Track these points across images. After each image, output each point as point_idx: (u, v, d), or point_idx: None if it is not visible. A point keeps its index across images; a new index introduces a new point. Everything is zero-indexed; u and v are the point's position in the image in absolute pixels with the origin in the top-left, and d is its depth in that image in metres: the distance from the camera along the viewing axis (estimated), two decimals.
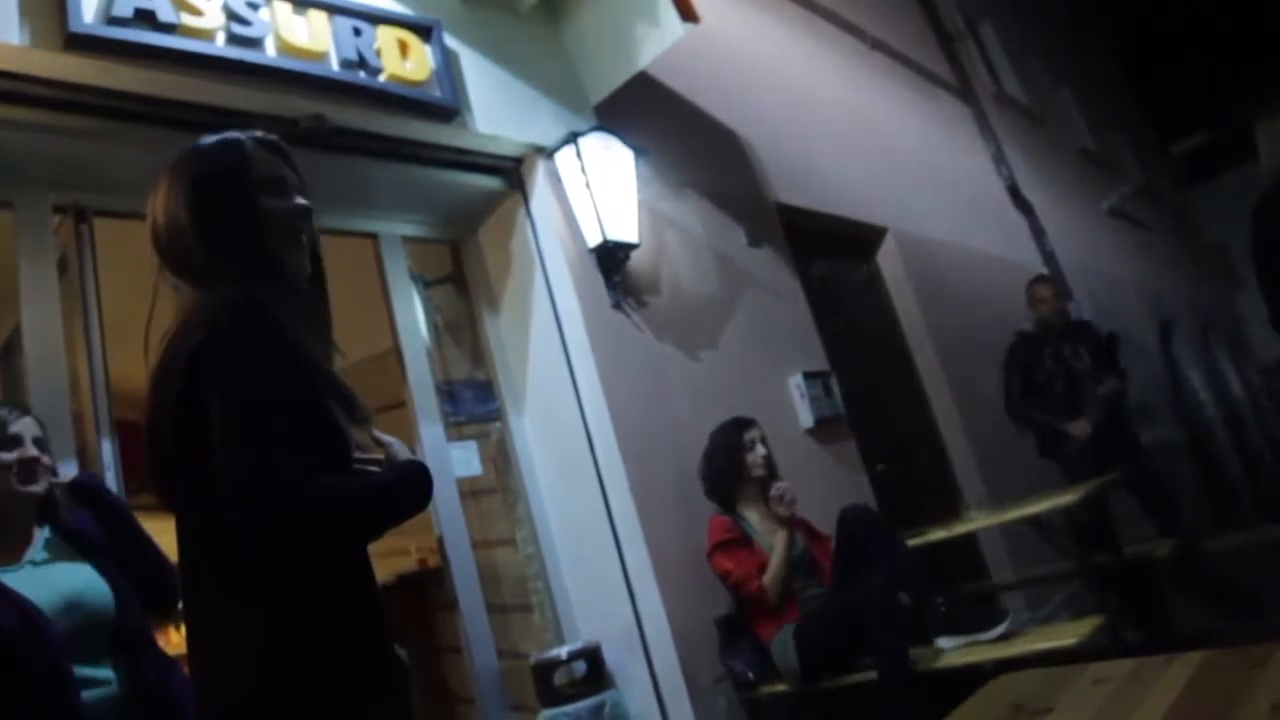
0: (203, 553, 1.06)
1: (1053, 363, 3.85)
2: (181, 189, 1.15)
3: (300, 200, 1.19)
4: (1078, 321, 4.23)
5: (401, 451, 1.18)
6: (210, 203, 1.14)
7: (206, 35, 2.09)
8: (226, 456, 0.96)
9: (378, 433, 1.22)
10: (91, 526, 1.62)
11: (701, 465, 2.73)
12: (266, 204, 1.15)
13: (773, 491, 2.54)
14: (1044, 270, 6.51)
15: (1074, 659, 2.06)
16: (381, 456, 1.17)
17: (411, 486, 1.14)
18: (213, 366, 1.00)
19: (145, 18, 1.99)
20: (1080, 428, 3.64)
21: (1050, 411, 3.79)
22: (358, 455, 1.16)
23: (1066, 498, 2.61)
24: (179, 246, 1.13)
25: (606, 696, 2.50)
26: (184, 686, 1.50)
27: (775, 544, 2.52)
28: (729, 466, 2.68)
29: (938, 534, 2.88)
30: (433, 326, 2.95)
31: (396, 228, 2.81)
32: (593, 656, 2.56)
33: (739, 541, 2.55)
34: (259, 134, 1.22)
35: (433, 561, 3.58)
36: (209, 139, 1.21)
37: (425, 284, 3.00)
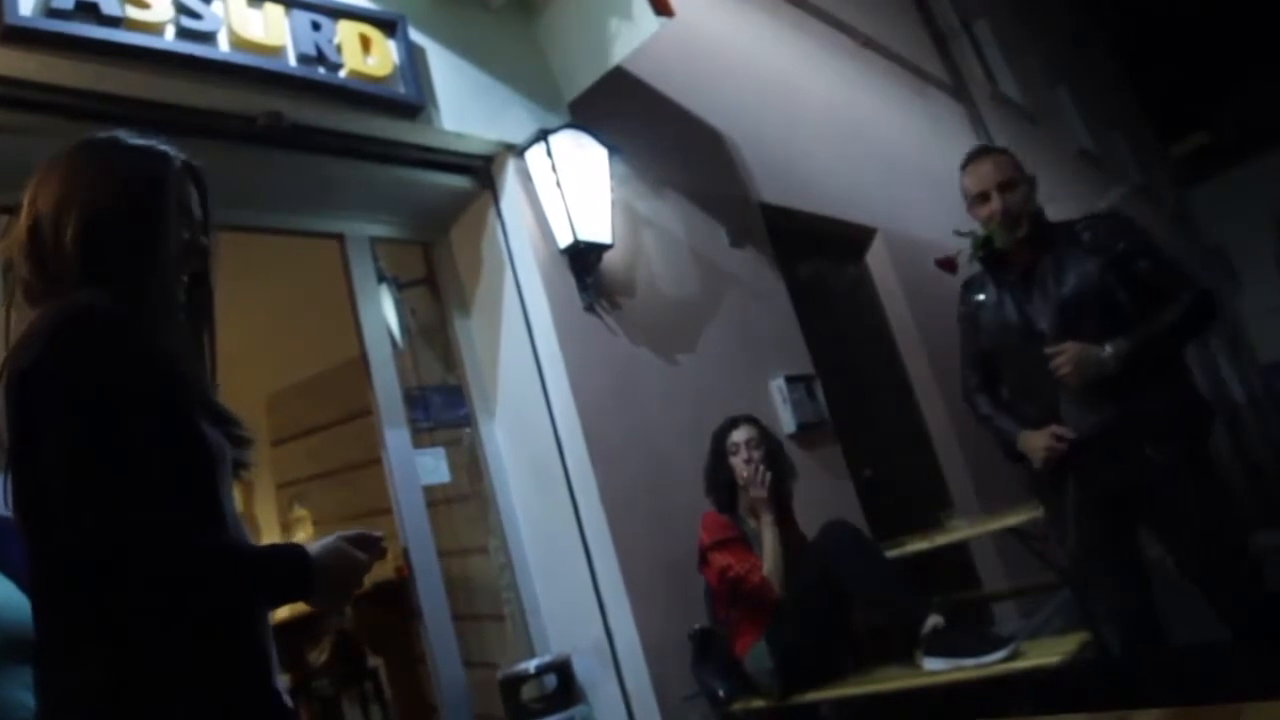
0: (46, 583, 0.98)
1: (992, 314, 2.08)
2: (88, 179, 1.06)
3: (203, 240, 1.14)
4: (1072, 223, 2.07)
5: (317, 546, 1.07)
6: (120, 200, 1.05)
7: (155, 29, 2.01)
8: (60, 490, 0.88)
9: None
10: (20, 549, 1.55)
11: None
12: (174, 229, 1.08)
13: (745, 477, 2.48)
14: None
15: (1058, 678, 1.99)
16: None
17: (273, 568, 1.02)
18: (39, 391, 0.91)
19: (88, 10, 1.90)
20: (1033, 442, 2.00)
21: (1014, 404, 2.13)
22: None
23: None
24: (56, 245, 1.02)
25: (576, 712, 2.42)
26: None
27: (763, 535, 2.44)
28: (714, 474, 2.61)
29: (918, 545, 2.80)
30: (406, 330, 2.88)
31: (363, 228, 2.73)
32: (562, 670, 2.48)
33: (738, 540, 2.47)
34: (184, 158, 1.16)
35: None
36: (129, 139, 1.13)
37: (398, 286, 2.93)
